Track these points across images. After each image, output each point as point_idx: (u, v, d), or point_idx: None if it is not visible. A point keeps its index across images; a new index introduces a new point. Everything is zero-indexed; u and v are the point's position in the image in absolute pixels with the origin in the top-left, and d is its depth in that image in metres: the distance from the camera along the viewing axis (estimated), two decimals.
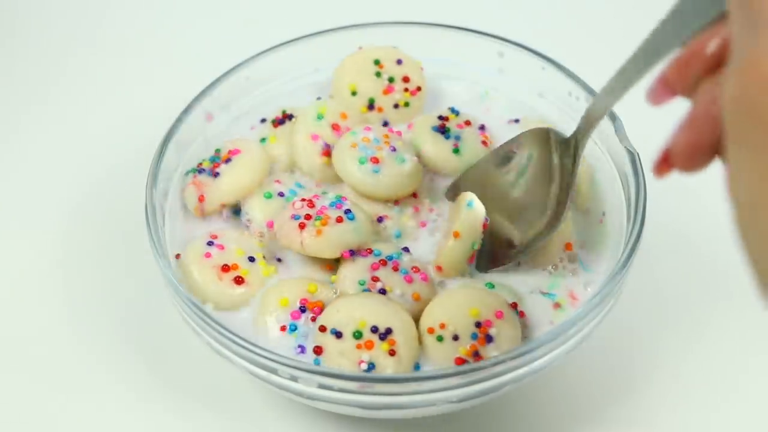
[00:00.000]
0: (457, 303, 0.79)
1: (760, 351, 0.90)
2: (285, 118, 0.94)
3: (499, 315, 0.78)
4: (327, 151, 0.89)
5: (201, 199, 0.86)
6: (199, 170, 0.89)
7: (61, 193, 1.06)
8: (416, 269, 0.82)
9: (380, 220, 0.86)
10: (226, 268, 0.82)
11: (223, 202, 0.86)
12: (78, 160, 1.09)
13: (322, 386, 0.73)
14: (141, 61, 1.22)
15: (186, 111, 0.90)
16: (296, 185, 0.90)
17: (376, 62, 0.95)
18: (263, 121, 0.95)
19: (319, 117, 0.90)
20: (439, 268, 0.83)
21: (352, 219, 0.83)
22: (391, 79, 0.95)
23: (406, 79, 0.95)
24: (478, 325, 0.78)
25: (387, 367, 0.75)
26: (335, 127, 0.90)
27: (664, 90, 0.61)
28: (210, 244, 0.84)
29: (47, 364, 0.91)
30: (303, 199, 0.84)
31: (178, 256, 0.84)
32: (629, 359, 0.90)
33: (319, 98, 0.95)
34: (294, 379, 0.73)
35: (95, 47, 1.24)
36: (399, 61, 0.96)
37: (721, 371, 0.89)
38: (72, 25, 1.27)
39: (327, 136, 0.89)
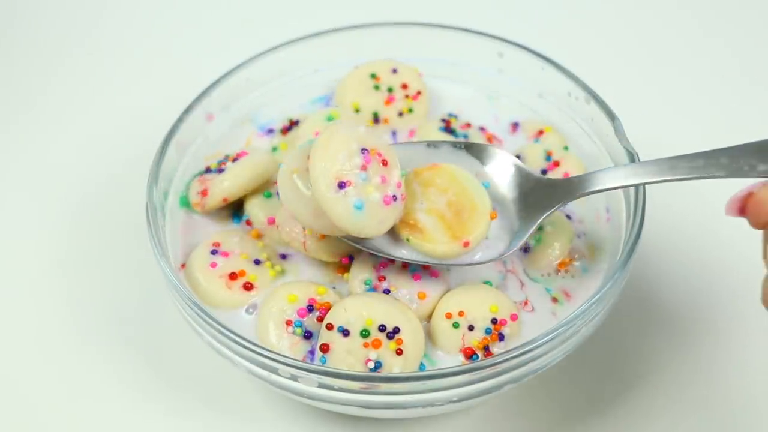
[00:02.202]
0: (479, 296, 0.80)
1: (760, 350, 0.90)
2: (292, 125, 0.95)
3: (513, 317, 0.79)
4: None
5: (204, 193, 0.86)
6: (207, 170, 0.89)
7: (62, 193, 1.06)
8: (427, 266, 0.82)
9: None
10: (233, 276, 0.82)
11: (225, 196, 0.86)
12: (78, 160, 1.09)
13: (322, 386, 0.73)
14: (141, 62, 1.22)
15: (186, 111, 0.90)
16: None
17: (373, 76, 0.96)
18: (271, 131, 0.96)
19: (329, 119, 0.90)
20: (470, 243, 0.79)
21: None
22: (390, 89, 0.95)
23: (404, 86, 0.96)
24: (494, 321, 0.79)
25: (394, 365, 0.75)
26: None
27: (737, 213, 0.69)
28: (214, 252, 0.84)
29: (47, 364, 0.92)
30: None
31: (183, 265, 0.84)
32: (628, 359, 0.90)
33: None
34: (294, 378, 0.73)
35: (95, 47, 1.24)
36: (394, 70, 0.96)
37: (721, 371, 0.89)
38: (72, 25, 1.27)
39: None
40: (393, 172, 0.77)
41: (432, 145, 0.84)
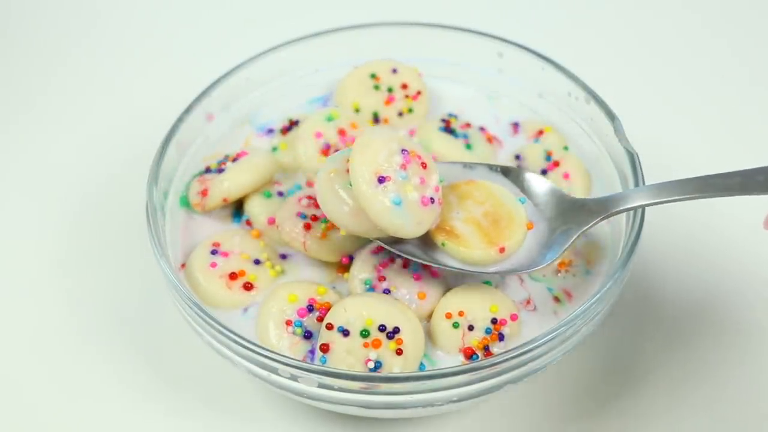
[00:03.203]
0: (479, 296, 0.80)
1: (760, 350, 0.90)
2: (292, 125, 0.95)
3: (513, 318, 0.80)
4: (326, 151, 0.89)
5: (204, 193, 0.86)
6: (207, 170, 0.89)
7: (62, 193, 1.06)
8: (427, 266, 0.82)
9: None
10: (233, 276, 0.82)
11: (225, 197, 0.86)
12: (79, 160, 1.09)
13: (322, 386, 0.73)
14: (141, 62, 1.22)
15: (186, 111, 0.90)
16: (296, 186, 0.90)
17: (372, 76, 0.96)
18: (271, 131, 0.96)
19: (329, 119, 0.90)
20: (507, 249, 0.79)
21: None
22: (389, 89, 0.95)
23: (404, 86, 0.96)
24: (494, 321, 0.79)
25: (394, 365, 0.75)
26: (341, 132, 0.90)
27: None
28: (214, 252, 0.84)
29: (47, 364, 0.91)
30: (309, 197, 0.84)
31: (183, 265, 0.85)
32: (629, 359, 0.90)
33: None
34: (294, 378, 0.73)
35: (95, 47, 1.24)
36: (394, 70, 0.96)
37: (721, 371, 0.89)
38: (72, 25, 1.27)
39: (330, 137, 0.90)
40: (432, 176, 0.78)
41: (468, 165, 0.84)
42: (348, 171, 0.76)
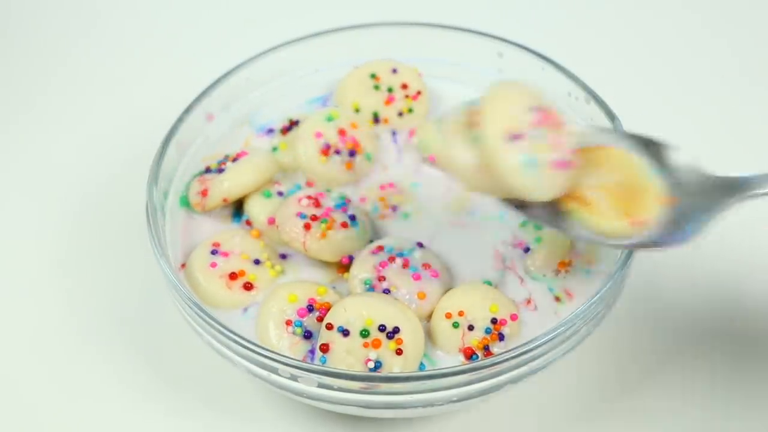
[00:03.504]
0: (479, 295, 0.80)
1: (761, 350, 0.90)
2: (292, 125, 0.95)
3: (513, 317, 0.79)
4: (326, 151, 0.89)
5: (204, 193, 0.86)
6: (207, 170, 0.89)
7: (62, 193, 1.06)
8: (427, 266, 0.82)
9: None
10: (233, 276, 0.82)
11: (225, 197, 0.86)
12: (78, 160, 1.10)
13: (322, 386, 0.73)
14: (141, 62, 1.22)
15: (187, 111, 0.90)
16: (296, 186, 0.90)
17: (372, 76, 0.96)
18: (271, 131, 0.96)
19: (329, 119, 0.90)
20: (641, 223, 0.74)
21: (356, 226, 0.84)
22: (390, 89, 0.95)
23: (404, 86, 0.96)
24: (494, 321, 0.79)
25: (394, 365, 0.75)
26: (341, 132, 0.90)
27: None
28: (214, 252, 0.84)
29: (47, 364, 0.92)
30: (309, 197, 0.85)
31: (183, 265, 0.85)
32: (629, 359, 0.90)
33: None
34: (294, 378, 0.74)
35: (95, 47, 1.24)
36: (394, 70, 0.96)
37: (722, 371, 0.89)
38: (72, 25, 1.27)
39: (330, 137, 0.90)
40: (567, 137, 0.73)
41: (602, 131, 0.80)
42: (472, 125, 0.71)
